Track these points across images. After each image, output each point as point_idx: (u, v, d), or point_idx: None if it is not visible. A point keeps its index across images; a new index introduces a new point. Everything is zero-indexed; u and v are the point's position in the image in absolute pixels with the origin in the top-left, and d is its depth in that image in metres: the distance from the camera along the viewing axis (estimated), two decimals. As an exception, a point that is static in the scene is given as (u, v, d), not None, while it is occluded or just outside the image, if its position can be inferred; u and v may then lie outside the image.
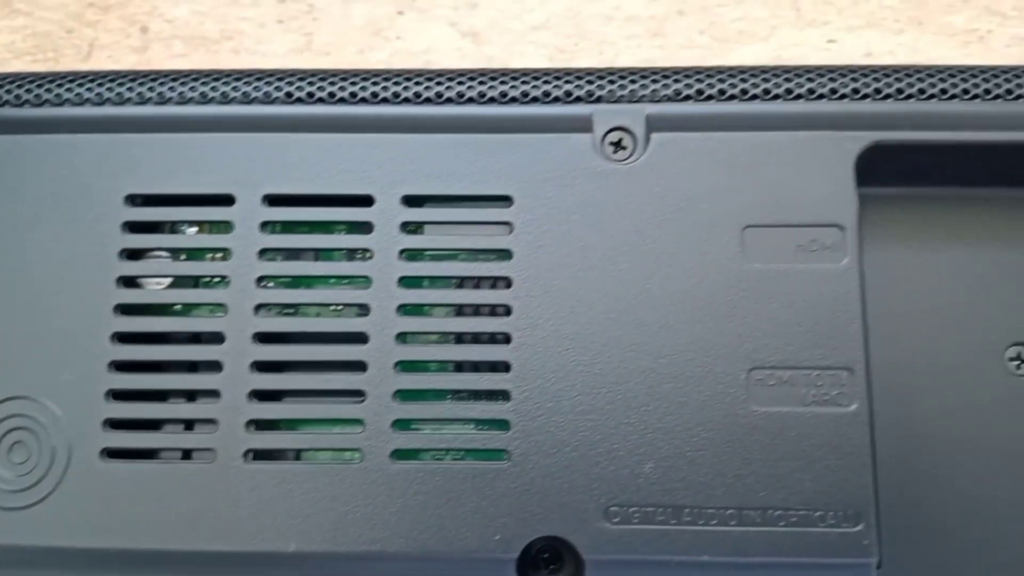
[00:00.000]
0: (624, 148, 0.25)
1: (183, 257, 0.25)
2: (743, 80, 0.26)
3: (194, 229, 0.25)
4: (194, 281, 0.25)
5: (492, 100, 0.26)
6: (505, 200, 0.24)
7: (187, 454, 0.24)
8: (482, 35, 0.36)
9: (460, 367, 0.24)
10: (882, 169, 0.27)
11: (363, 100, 0.25)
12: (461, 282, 0.25)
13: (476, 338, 0.24)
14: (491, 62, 0.36)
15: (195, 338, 0.25)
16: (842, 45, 0.36)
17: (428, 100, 0.25)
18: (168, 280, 0.25)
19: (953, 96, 0.25)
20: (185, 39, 0.36)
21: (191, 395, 0.24)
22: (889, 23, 0.37)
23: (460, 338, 0.24)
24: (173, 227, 0.26)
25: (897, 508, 0.26)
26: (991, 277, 0.27)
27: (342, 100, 0.25)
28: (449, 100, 0.26)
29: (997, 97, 0.25)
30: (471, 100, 0.26)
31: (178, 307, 0.25)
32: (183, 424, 0.24)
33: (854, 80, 0.25)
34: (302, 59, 0.36)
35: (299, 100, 0.25)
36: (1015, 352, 0.27)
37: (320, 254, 0.25)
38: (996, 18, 0.37)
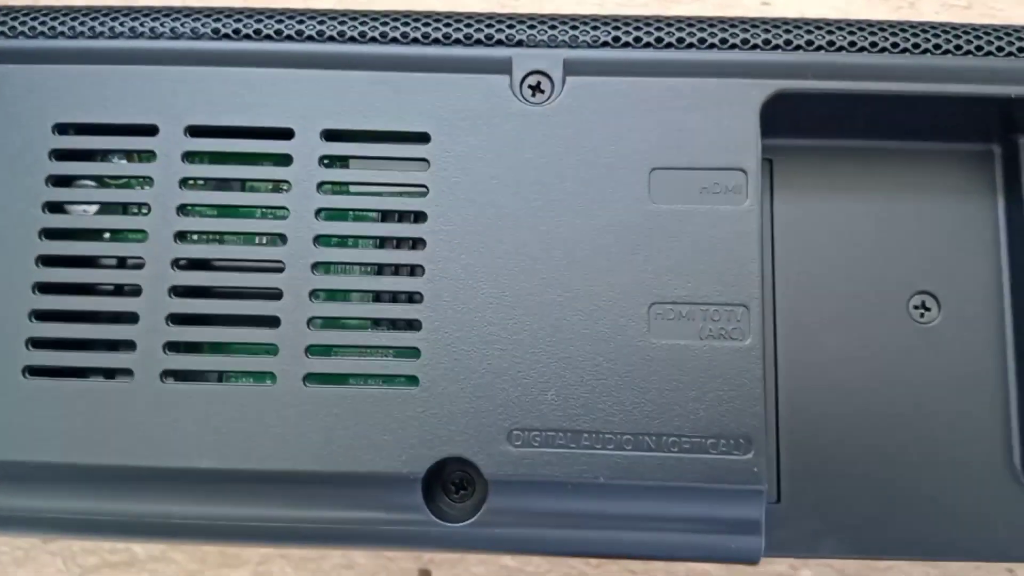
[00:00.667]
0: (543, 92, 0.26)
1: (109, 185, 0.26)
2: (659, 29, 0.26)
3: (124, 160, 0.26)
4: (121, 208, 0.26)
5: (415, 40, 0.26)
6: (422, 137, 0.25)
7: (110, 374, 0.25)
8: (425, -13, 0.37)
9: (375, 297, 0.25)
10: (793, 119, 0.28)
11: (288, 37, 0.26)
12: (380, 216, 0.26)
13: (390, 270, 0.25)
14: (433, 6, 0.36)
15: (121, 263, 0.26)
16: (775, 8, 0.37)
17: (352, 39, 0.26)
18: (95, 208, 0.26)
19: (862, 48, 0.26)
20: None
21: (113, 318, 0.25)
22: (823, -14, 0.37)
23: (375, 269, 0.25)
24: (104, 156, 0.26)
25: (799, 447, 0.27)
26: (898, 227, 0.28)
27: (268, 37, 0.26)
28: (373, 39, 0.26)
29: (904, 51, 0.26)
30: (395, 40, 0.26)
31: (103, 233, 0.25)
32: (105, 345, 0.25)
33: (765, 31, 0.26)
34: None
35: (226, 36, 0.26)
36: (919, 300, 0.28)
37: (242, 185, 0.26)
38: (927, -16, 0.38)
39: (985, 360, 0.27)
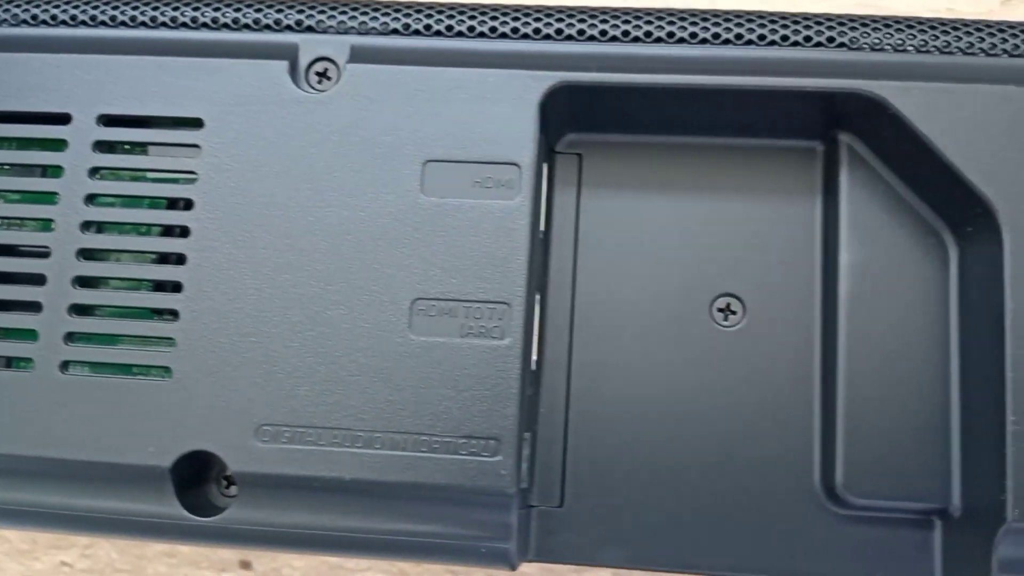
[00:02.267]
0: (329, 79, 0.25)
1: None
2: (450, 16, 0.26)
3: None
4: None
5: (204, 25, 0.26)
6: (196, 123, 0.25)
7: None
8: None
9: (136, 286, 0.25)
10: (600, 113, 0.27)
11: (64, 23, 0.26)
12: (151, 203, 0.25)
13: (154, 258, 0.25)
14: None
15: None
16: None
17: (140, 23, 0.26)
18: None
19: (658, 39, 0.25)
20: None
21: None
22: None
23: (139, 257, 0.25)
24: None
25: (587, 452, 0.26)
26: (710, 227, 0.27)
27: (44, 23, 0.26)
28: (164, 24, 0.26)
29: (703, 41, 0.25)
30: (185, 25, 0.26)
31: None
32: None
33: (554, 21, 0.25)
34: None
35: (4, 22, 0.26)
36: (724, 303, 0.27)
37: (15, 169, 0.26)
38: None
39: (789, 368, 0.26)
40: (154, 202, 0.25)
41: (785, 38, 0.25)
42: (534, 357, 0.25)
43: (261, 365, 0.24)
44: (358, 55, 0.25)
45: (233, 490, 0.24)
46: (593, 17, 0.25)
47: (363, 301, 0.24)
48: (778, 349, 0.26)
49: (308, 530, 0.24)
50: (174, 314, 0.24)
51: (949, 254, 0.25)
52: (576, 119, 0.27)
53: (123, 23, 0.25)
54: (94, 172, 0.25)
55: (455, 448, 0.23)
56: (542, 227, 0.26)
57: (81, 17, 0.25)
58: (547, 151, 0.27)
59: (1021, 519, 0.22)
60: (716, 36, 0.25)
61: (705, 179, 0.27)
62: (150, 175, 0.25)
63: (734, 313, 0.26)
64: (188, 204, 0.25)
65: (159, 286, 0.25)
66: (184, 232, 0.24)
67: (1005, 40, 0.25)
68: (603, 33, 0.25)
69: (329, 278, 0.24)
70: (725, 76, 0.25)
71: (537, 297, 0.25)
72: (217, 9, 0.26)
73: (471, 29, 0.25)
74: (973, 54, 0.25)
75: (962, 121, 0.24)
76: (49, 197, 0.25)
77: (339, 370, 0.23)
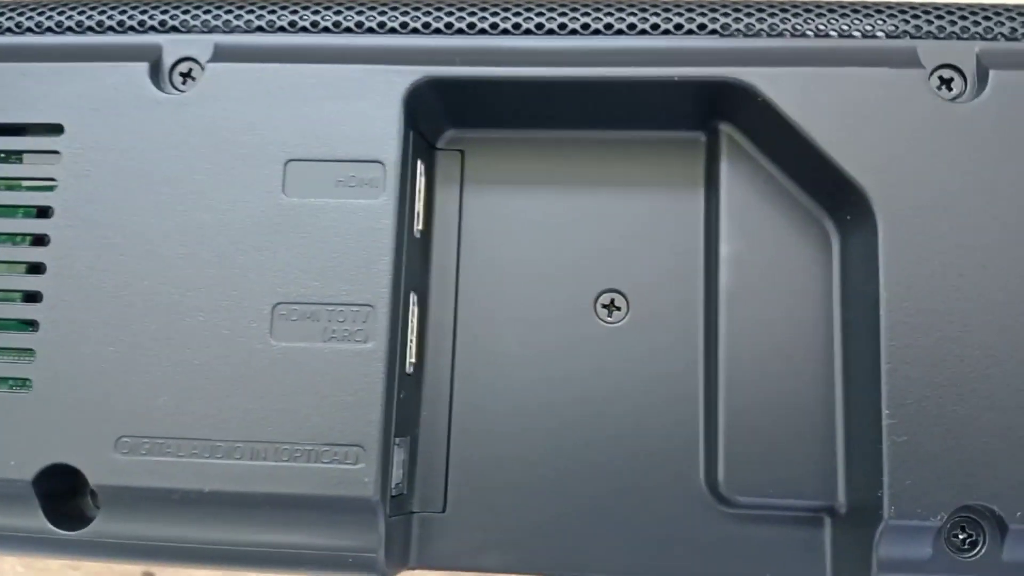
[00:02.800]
0: (193, 79, 0.25)
1: None
2: (315, 12, 0.25)
3: None
4: None
5: (69, 29, 0.25)
6: (56, 129, 0.24)
7: None
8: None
9: (-3, 296, 0.24)
10: (481, 108, 0.26)
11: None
12: (27, 211, 0.25)
13: (10, 268, 0.24)
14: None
15: None
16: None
17: (8, 30, 0.25)
18: None
19: (527, 31, 0.24)
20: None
21: None
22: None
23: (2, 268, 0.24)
24: None
25: (471, 456, 0.25)
26: (594, 221, 0.26)
27: (-98, 26, 0.25)
28: (29, 30, 0.25)
29: (573, 32, 0.24)
30: (50, 30, 0.25)
31: None
32: None
33: (421, 15, 0.25)
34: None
35: None
36: (608, 299, 0.26)
37: None
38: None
39: (673, 364, 0.25)
40: (27, 211, 0.25)
41: (656, 27, 0.24)
42: (412, 360, 0.25)
43: (121, 375, 0.23)
44: (221, 54, 0.25)
45: (85, 504, 0.24)
46: (461, 10, 0.25)
47: (223, 307, 0.23)
48: (661, 345, 0.25)
49: (174, 543, 0.23)
50: (33, 324, 0.23)
51: (831, 243, 0.25)
52: (453, 115, 0.26)
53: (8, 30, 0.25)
54: (-49, 181, 0.24)
55: (317, 456, 0.22)
56: (420, 226, 0.25)
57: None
58: (427, 148, 0.26)
59: (898, 516, 0.21)
60: (585, 27, 0.24)
61: (589, 173, 0.26)
62: (25, 183, 0.25)
63: (618, 309, 0.26)
64: (47, 212, 0.24)
65: (9, 296, 0.24)
66: (43, 241, 0.24)
67: (883, 21, 0.24)
68: (471, 26, 0.25)
69: (188, 284, 0.23)
70: (594, 67, 0.24)
71: (415, 298, 0.25)
72: (82, 13, 0.25)
73: (337, 24, 0.25)
74: (849, 36, 0.24)
75: (834, 106, 0.23)
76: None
77: (199, 379, 0.23)
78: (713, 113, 0.25)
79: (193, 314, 0.23)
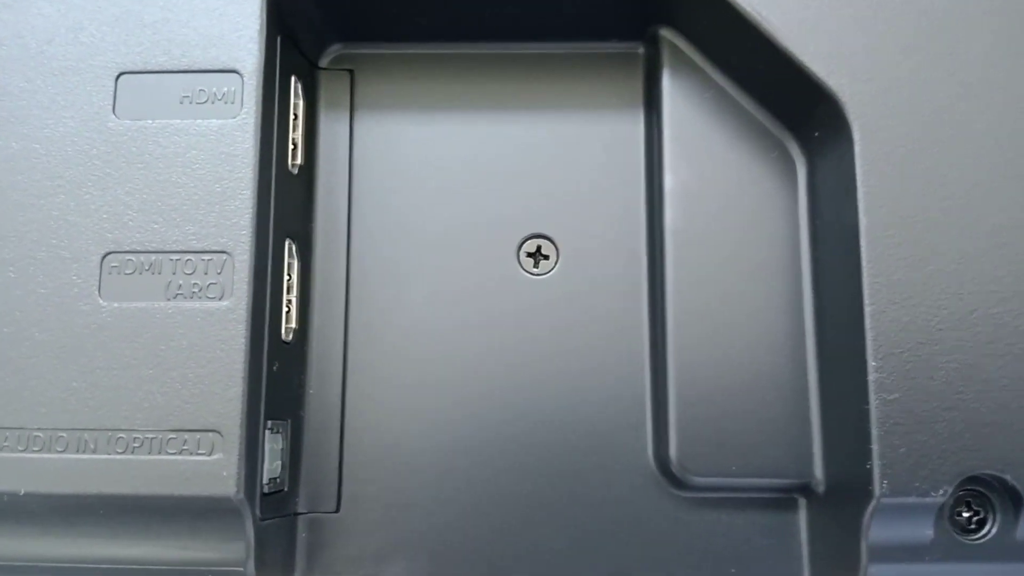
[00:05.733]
0: (4, -21, 0.20)
1: None
2: None
3: None
4: None
5: None
6: None
7: None
8: None
9: None
10: (358, 16, 0.21)
11: None
12: None
13: None
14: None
15: None
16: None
17: None
18: None
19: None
20: None
21: None
22: None
23: None
24: None
25: (367, 443, 0.21)
26: (505, 155, 0.22)
27: None
28: None
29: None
30: None
31: None
32: None
33: None
34: None
35: None
36: (533, 246, 0.21)
37: None
38: None
39: (611, 321, 0.21)
40: None
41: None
42: (291, 325, 0.20)
43: (-97, 350, 0.18)
44: (35, -57, 0.19)
45: None
46: None
47: (37, 259, 0.18)
48: (598, 298, 0.21)
49: (-19, 564, 0.18)
50: None
51: (796, 169, 0.21)
52: (337, 25, 0.21)
53: None
54: None
55: (162, 446, 0.17)
56: (300, 160, 0.21)
57: None
58: (307, 67, 0.21)
59: (891, 493, 0.17)
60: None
61: (504, 96, 0.22)
62: None
63: (545, 257, 0.21)
64: None
65: None
66: None
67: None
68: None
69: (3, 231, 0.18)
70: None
71: (293, 247, 0.20)
72: None
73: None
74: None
75: (798, -4, 0.19)
76: None
77: (8, 351, 0.18)
78: (650, 16, 0.21)
79: (6, 269, 0.18)
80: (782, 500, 0.20)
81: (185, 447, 0.17)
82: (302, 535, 0.20)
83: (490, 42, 0.22)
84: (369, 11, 0.21)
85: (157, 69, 0.19)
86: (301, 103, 0.21)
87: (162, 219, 0.18)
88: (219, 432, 0.17)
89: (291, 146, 0.20)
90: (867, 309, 0.18)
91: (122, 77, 0.19)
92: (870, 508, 0.17)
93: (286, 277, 0.20)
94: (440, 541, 0.20)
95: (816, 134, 0.20)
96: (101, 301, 0.18)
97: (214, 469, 0.17)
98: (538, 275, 0.21)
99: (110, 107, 0.19)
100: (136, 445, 0.17)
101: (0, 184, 0.18)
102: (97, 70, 0.19)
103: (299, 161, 0.21)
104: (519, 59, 0.22)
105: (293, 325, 0.20)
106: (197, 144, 0.18)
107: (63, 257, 0.18)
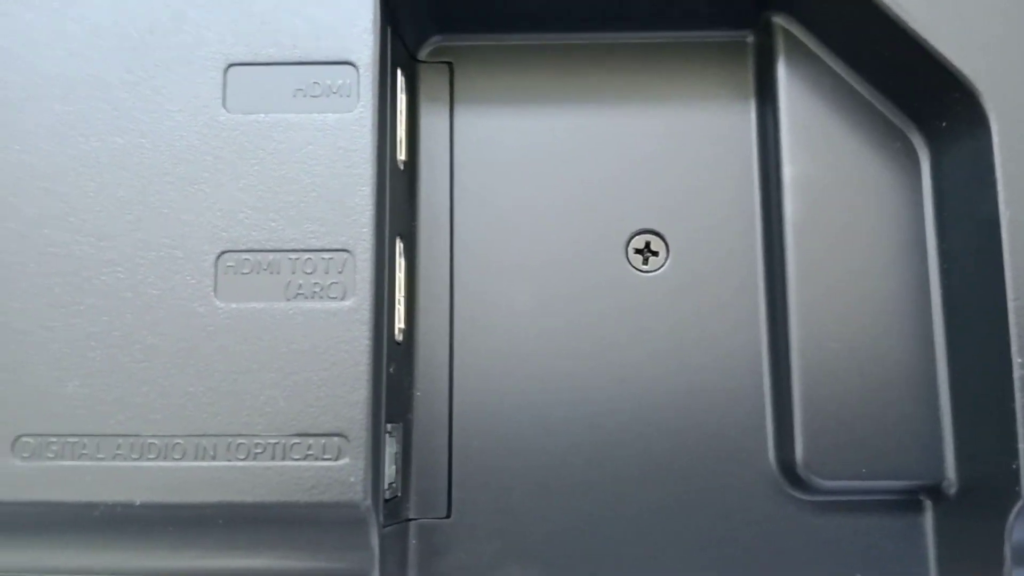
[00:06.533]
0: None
1: None
2: None
3: None
4: None
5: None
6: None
7: None
8: None
9: None
10: (460, 7, 0.21)
11: None
12: None
13: None
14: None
15: None
16: None
17: None
18: None
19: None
20: None
21: None
22: None
23: None
24: None
25: (480, 443, 0.20)
26: (611, 148, 0.21)
27: None
28: None
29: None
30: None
31: None
32: None
33: None
34: None
35: None
36: (642, 242, 0.21)
37: None
38: None
39: (727, 320, 0.20)
40: None
41: None
42: (400, 325, 0.19)
43: (15, 357, 0.17)
44: (137, -68, 0.19)
45: None
46: None
47: (149, 260, 0.17)
48: (710, 295, 0.20)
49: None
50: None
51: (920, 159, 0.20)
52: (440, 16, 0.21)
53: None
54: None
55: (284, 452, 0.17)
56: (403, 155, 0.20)
57: None
58: (407, 59, 0.21)
59: (1040, 493, 0.17)
60: None
61: (609, 87, 0.21)
62: None
63: (655, 254, 0.21)
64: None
65: None
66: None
67: None
68: None
69: (101, 232, 0.17)
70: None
71: (400, 245, 0.19)
72: None
73: None
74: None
75: (931, -20, 0.18)
76: None
77: (120, 356, 0.17)
78: (763, 3, 0.20)
79: (109, 271, 0.17)
80: (907, 502, 0.20)
81: (310, 452, 0.17)
82: (412, 542, 0.20)
83: (591, 32, 0.21)
84: (468, 2, 0.20)
85: (267, 61, 0.18)
86: (403, 96, 0.20)
87: (279, 216, 0.17)
88: (345, 436, 0.17)
89: (397, 141, 0.20)
90: (1011, 304, 0.17)
91: (231, 69, 0.18)
92: (1015, 509, 0.17)
93: (397, 277, 0.19)
94: (554, 547, 0.20)
95: (944, 124, 0.19)
96: (217, 302, 0.17)
97: (341, 475, 0.17)
98: (648, 272, 0.21)
99: (220, 100, 0.18)
100: (258, 451, 0.17)
101: (105, 180, 0.18)
102: (204, 61, 0.18)
103: (403, 156, 0.20)
104: (621, 48, 0.21)
105: (402, 325, 0.19)
106: (314, 139, 0.18)
107: (176, 257, 0.17)
